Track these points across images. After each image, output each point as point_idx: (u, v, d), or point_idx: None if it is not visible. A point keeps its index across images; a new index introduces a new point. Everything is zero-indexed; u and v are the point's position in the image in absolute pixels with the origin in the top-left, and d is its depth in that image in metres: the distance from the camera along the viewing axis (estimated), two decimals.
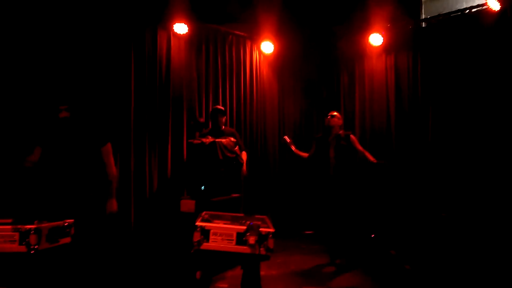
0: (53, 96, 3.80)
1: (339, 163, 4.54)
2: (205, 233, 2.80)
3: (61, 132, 3.22)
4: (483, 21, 4.64)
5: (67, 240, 2.81)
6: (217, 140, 4.59)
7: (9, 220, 2.76)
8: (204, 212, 3.29)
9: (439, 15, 5.18)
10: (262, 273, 3.36)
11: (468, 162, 4.72)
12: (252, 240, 2.74)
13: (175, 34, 5.14)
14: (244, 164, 4.81)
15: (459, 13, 4.94)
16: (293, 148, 4.85)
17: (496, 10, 4.49)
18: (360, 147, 4.64)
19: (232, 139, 4.74)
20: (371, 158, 4.55)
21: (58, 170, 3.20)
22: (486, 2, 4.52)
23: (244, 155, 4.89)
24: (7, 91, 3.88)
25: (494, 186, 4.45)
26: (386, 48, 5.64)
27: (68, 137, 3.21)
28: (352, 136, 4.68)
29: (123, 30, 4.68)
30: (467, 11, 4.86)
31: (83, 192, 3.26)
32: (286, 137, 4.91)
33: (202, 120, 5.22)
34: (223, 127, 4.96)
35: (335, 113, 4.72)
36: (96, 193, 3.29)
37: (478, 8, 4.75)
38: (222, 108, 5.06)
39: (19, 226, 2.59)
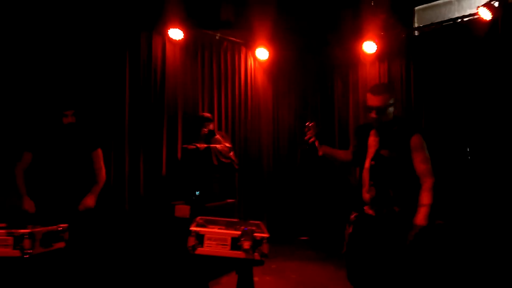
0: (52, 100, 3.79)
1: (384, 193, 2.59)
2: (200, 238, 2.80)
3: (64, 137, 3.24)
4: (475, 30, 4.71)
5: (61, 244, 2.80)
6: (211, 145, 4.61)
7: (3, 225, 2.75)
8: (198, 217, 3.29)
9: (432, 23, 5.26)
10: (256, 278, 3.37)
11: (462, 168, 4.76)
12: (246, 245, 2.74)
13: (170, 40, 5.16)
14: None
15: (451, 22, 5.01)
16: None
17: (488, 19, 4.56)
18: (424, 167, 2.56)
19: (227, 144, 4.76)
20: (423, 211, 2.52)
21: (54, 174, 3.19)
22: (477, 12, 4.59)
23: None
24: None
25: (489, 193, 4.49)
26: (380, 56, 5.70)
27: (70, 142, 3.25)
28: (415, 139, 2.59)
29: (118, 36, 4.69)
30: (459, 20, 4.94)
31: (77, 197, 3.24)
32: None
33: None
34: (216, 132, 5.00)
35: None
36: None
37: (470, 18, 4.82)
38: (209, 115, 5.08)
39: (13, 231, 2.58)
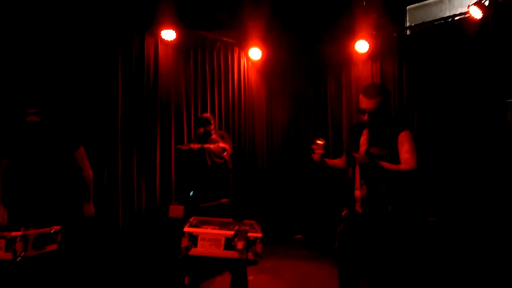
0: (19, 99, 3.63)
1: (375, 191, 2.61)
2: (193, 238, 2.80)
3: (28, 137, 3.05)
4: (466, 29, 4.75)
5: (53, 247, 2.79)
6: (205, 146, 4.61)
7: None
8: (192, 218, 3.30)
9: (423, 23, 5.29)
10: (251, 277, 3.38)
11: (454, 167, 4.80)
12: (240, 245, 2.75)
13: (163, 41, 5.15)
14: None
15: (443, 21, 5.04)
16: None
17: (478, 18, 4.60)
18: (408, 156, 2.57)
19: (221, 144, 4.76)
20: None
21: (29, 179, 3.05)
22: (468, 11, 4.63)
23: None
24: None
25: (479, 190, 4.53)
26: (372, 54, 5.72)
27: (36, 143, 3.05)
28: (403, 134, 2.61)
29: (110, 37, 4.68)
30: (450, 19, 4.97)
31: (58, 199, 3.14)
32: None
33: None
34: (212, 132, 4.95)
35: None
36: (73, 200, 3.21)
37: (461, 16, 4.85)
38: (207, 116, 5.02)
39: (5, 233, 2.57)
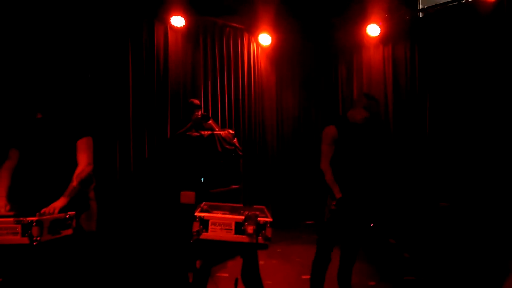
0: (31, 95, 3.60)
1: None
2: (204, 223, 2.82)
3: (37, 132, 2.99)
4: (480, 10, 4.64)
5: (68, 232, 2.84)
6: (215, 132, 4.63)
7: (11, 213, 2.80)
8: (203, 203, 3.32)
9: (436, 5, 5.18)
10: (262, 262, 3.42)
11: (466, 151, 4.74)
12: (250, 229, 2.77)
13: (172, 27, 5.15)
14: None
15: (456, 2, 4.94)
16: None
17: None
18: None
19: (231, 131, 4.77)
20: None
21: (37, 171, 3.03)
22: None
23: None
24: None
25: (491, 175, 4.48)
26: (384, 38, 5.65)
27: (43, 137, 2.98)
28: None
29: (120, 24, 4.69)
30: (464, 0, 4.86)
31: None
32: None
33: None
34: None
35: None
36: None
37: None
38: (197, 102, 5.02)
39: (21, 218, 2.62)
